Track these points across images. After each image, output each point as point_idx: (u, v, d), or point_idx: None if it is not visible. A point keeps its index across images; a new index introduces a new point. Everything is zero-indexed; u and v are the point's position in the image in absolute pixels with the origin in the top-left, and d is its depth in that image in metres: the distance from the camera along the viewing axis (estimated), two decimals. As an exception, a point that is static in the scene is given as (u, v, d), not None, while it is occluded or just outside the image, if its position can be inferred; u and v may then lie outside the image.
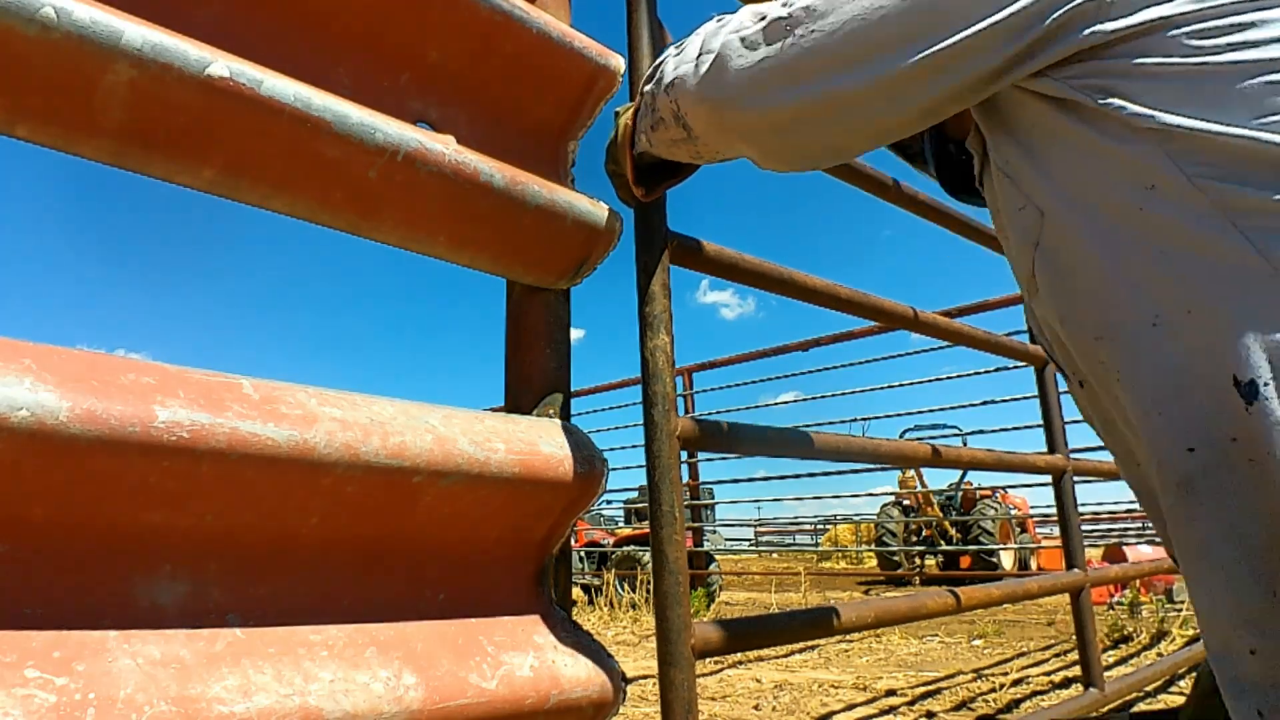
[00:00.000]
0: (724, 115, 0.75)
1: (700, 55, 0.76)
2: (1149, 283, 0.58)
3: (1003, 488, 6.09)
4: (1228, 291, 0.54)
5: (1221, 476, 0.55)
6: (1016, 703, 2.45)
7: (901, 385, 4.93)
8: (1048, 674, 2.91)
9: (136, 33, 0.60)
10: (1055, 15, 0.58)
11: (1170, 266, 0.57)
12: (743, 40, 0.72)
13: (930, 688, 2.68)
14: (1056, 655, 3.39)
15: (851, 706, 2.46)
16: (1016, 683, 2.74)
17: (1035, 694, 2.56)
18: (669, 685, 0.92)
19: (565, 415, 0.93)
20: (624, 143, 0.91)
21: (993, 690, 2.63)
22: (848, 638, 3.82)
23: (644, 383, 1.02)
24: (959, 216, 1.73)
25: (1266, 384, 0.53)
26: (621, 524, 8.69)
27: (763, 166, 0.79)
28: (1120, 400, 0.62)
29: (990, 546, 6.76)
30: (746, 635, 1.09)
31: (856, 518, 14.04)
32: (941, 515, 9.58)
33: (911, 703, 2.45)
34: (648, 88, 0.86)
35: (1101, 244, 0.60)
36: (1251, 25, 0.55)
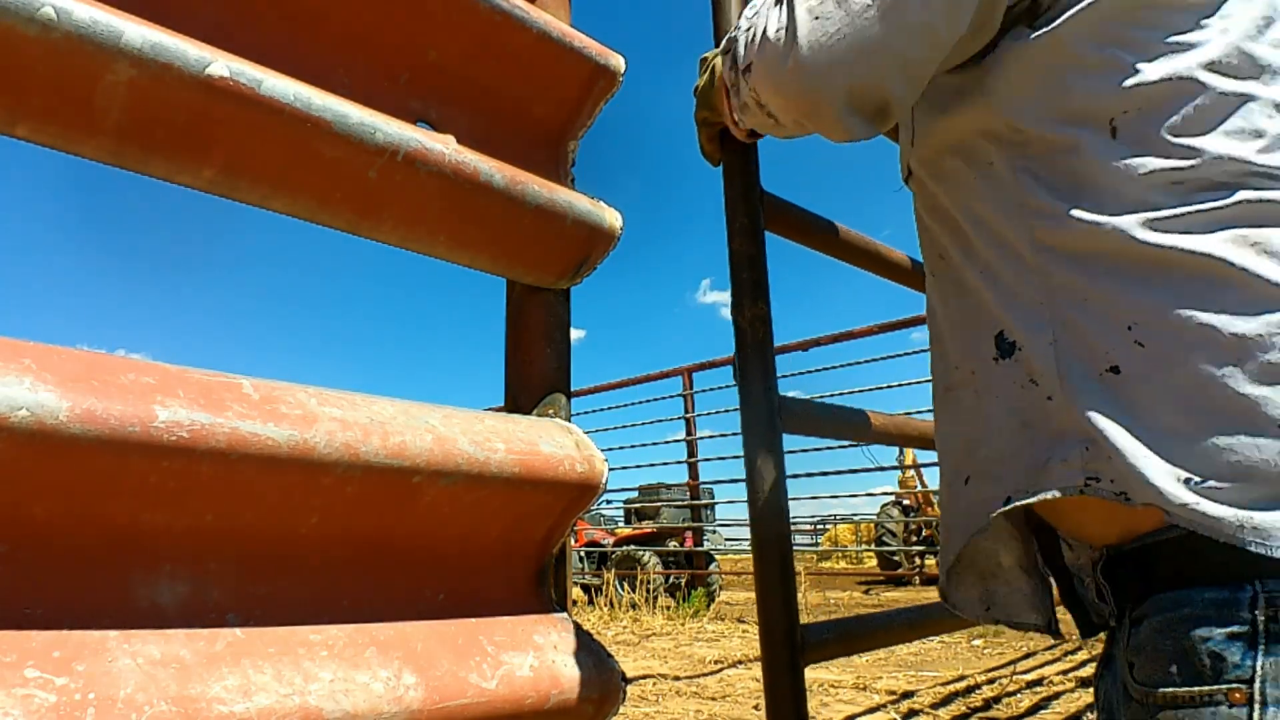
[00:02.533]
0: (807, 108, 0.73)
1: (762, 40, 0.75)
2: (974, 226, 0.70)
3: (1002, 487, 6.06)
4: (1010, 266, 0.66)
5: (958, 394, 0.71)
6: (1044, 703, 2.44)
7: (901, 385, 4.92)
8: (1063, 673, 2.90)
9: (136, 32, 0.60)
10: None
11: (983, 225, 0.69)
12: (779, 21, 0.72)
13: (947, 690, 2.67)
14: (1066, 654, 3.38)
15: (869, 707, 2.46)
16: (1034, 684, 2.74)
17: (1061, 694, 2.55)
18: (776, 693, 0.85)
19: (565, 415, 0.93)
20: (720, 89, 0.87)
21: (1017, 691, 2.62)
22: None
23: (739, 357, 0.92)
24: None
25: (1020, 348, 0.64)
26: (621, 524, 8.69)
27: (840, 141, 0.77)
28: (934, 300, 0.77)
29: (990, 546, 6.73)
30: (852, 639, 1.01)
31: (856, 518, 14.04)
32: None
33: (935, 706, 2.44)
34: (728, 68, 0.83)
35: (949, 188, 0.73)
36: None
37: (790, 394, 0.96)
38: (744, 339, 0.93)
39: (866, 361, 5.23)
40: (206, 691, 0.55)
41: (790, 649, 0.88)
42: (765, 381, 0.92)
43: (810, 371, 5.64)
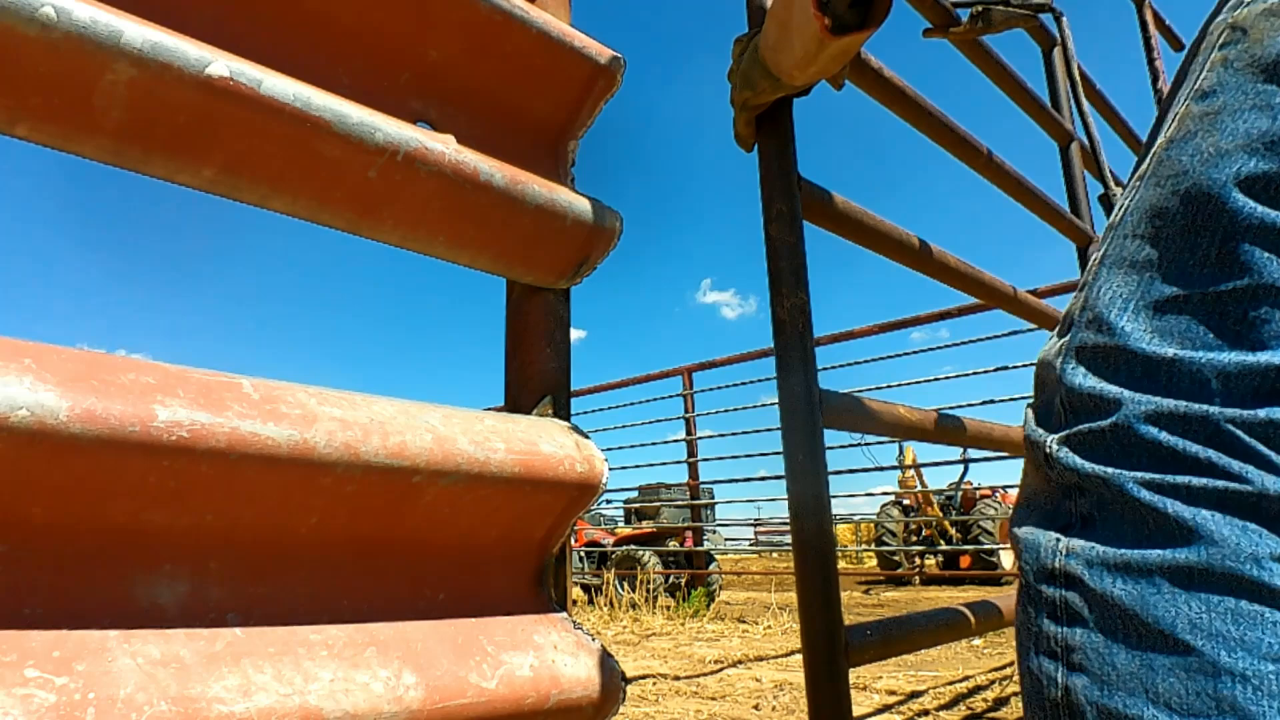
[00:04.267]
0: None
1: None
2: None
3: (1003, 487, 6.09)
4: None
5: None
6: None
7: (901, 385, 4.93)
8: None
9: (136, 32, 0.60)
10: None
11: None
12: None
13: (952, 692, 2.67)
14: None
15: (874, 709, 2.46)
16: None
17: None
18: (819, 696, 0.84)
19: (565, 415, 0.93)
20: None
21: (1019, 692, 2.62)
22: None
23: (779, 348, 0.90)
24: (1036, 191, 1.61)
25: None
26: (621, 524, 8.69)
27: None
28: None
29: (990, 546, 6.77)
30: (895, 640, 0.99)
31: (856, 518, 14.06)
32: (941, 515, 9.59)
33: (942, 708, 2.44)
34: None
35: None
36: None
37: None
38: (783, 330, 0.91)
39: (866, 361, 5.23)
40: (206, 691, 0.55)
41: (832, 651, 0.86)
42: (805, 374, 0.90)
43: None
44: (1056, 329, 0.57)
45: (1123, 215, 0.54)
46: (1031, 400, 0.58)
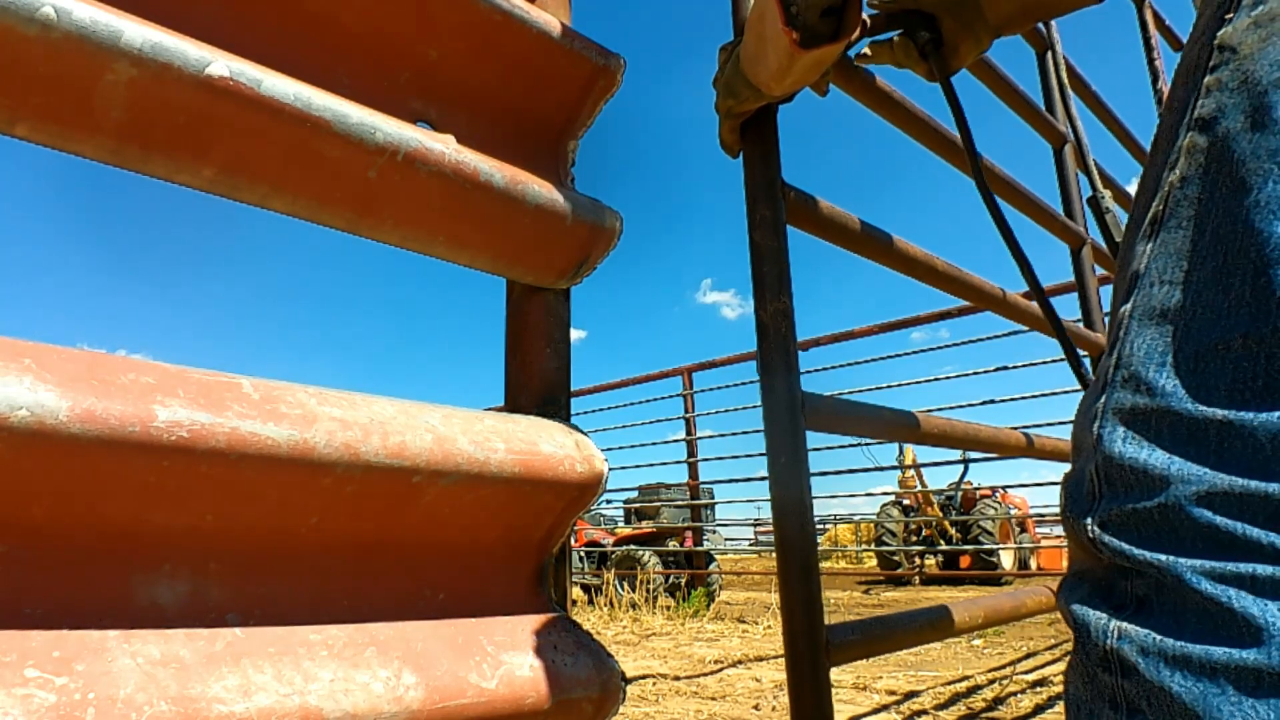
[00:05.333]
0: None
1: None
2: None
3: (1003, 487, 6.09)
4: None
5: None
6: (1048, 703, 2.43)
7: (901, 385, 4.93)
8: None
9: (137, 32, 0.60)
10: None
11: None
12: None
13: (950, 691, 2.67)
14: (1067, 654, 3.38)
15: (871, 708, 2.46)
16: (1036, 684, 2.74)
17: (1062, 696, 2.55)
18: (800, 694, 0.85)
19: (565, 415, 0.93)
20: (772, 14, 0.81)
21: (1020, 692, 2.62)
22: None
23: (761, 352, 0.92)
24: (1027, 193, 1.63)
25: None
26: (621, 524, 8.69)
27: None
28: None
29: (990, 546, 6.77)
30: (877, 640, 1.00)
31: (856, 518, 14.06)
32: (941, 515, 9.59)
33: (939, 707, 2.44)
34: None
35: None
36: None
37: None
38: (766, 333, 0.93)
39: (866, 361, 5.23)
40: (206, 691, 0.55)
41: (814, 649, 0.87)
42: (788, 377, 0.91)
43: (810, 372, 5.64)
44: (1088, 391, 0.54)
45: (1146, 263, 0.51)
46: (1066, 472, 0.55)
